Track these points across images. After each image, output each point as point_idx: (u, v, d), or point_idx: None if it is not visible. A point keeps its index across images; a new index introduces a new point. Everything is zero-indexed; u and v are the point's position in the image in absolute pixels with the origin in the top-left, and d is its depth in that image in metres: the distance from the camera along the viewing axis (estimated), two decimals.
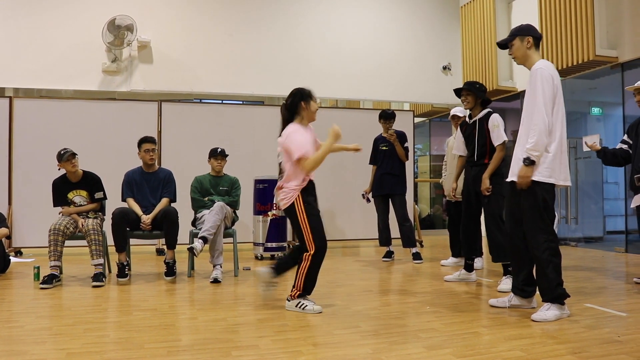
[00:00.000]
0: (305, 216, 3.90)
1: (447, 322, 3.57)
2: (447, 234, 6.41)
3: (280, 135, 4.03)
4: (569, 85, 8.43)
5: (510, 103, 9.57)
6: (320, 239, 3.90)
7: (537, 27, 7.95)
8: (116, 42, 8.01)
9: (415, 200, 9.11)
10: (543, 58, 4.09)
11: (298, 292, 3.93)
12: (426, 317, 3.72)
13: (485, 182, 4.74)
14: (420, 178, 12.31)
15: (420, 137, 12.29)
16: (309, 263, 3.88)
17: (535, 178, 3.61)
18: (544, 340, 3.12)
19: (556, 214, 8.05)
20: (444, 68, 9.82)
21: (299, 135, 3.92)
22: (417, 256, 6.46)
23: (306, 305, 3.90)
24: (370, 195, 6.74)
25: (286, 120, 4.06)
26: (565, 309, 3.66)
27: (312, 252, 3.87)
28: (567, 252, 7.30)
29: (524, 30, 3.77)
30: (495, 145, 4.81)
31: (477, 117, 4.93)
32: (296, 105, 4.01)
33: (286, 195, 3.95)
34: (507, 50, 3.88)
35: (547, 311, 3.60)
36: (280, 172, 4.06)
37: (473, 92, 4.93)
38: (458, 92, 5.07)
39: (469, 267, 5.10)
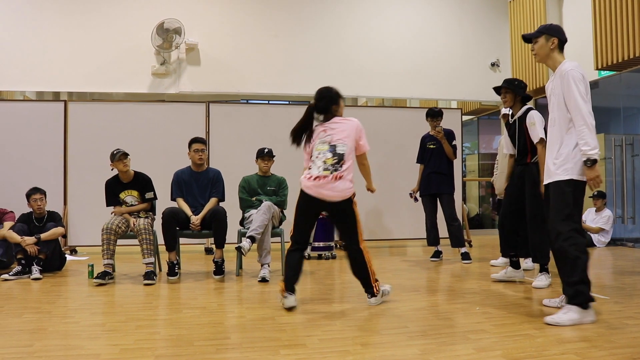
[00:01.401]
0: (357, 213, 4.01)
1: (497, 324, 3.49)
2: (497, 233, 6.28)
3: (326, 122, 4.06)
4: (625, 80, 8.13)
5: None
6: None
7: (591, 20, 7.72)
8: (165, 45, 8.17)
9: (464, 200, 8.96)
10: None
11: (377, 290, 4.07)
12: (475, 318, 3.65)
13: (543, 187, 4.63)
14: (468, 177, 12.12)
15: (468, 136, 12.10)
16: (367, 255, 4.00)
17: (562, 177, 3.53)
18: (601, 344, 3.01)
19: (611, 213, 7.81)
20: (493, 65, 9.64)
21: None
22: (465, 256, 6.35)
23: (385, 290, 4.21)
24: (417, 195, 6.66)
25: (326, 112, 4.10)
26: (590, 314, 3.45)
27: (364, 245, 4.00)
28: (623, 253, 7.05)
29: (552, 31, 3.71)
30: (535, 144, 4.69)
31: (517, 116, 4.84)
32: (328, 107, 4.09)
33: (348, 186, 3.93)
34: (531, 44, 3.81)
35: (564, 314, 3.43)
36: (338, 161, 3.92)
37: (512, 89, 4.84)
38: (498, 90, 4.98)
39: (515, 265, 4.99)
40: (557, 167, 3.58)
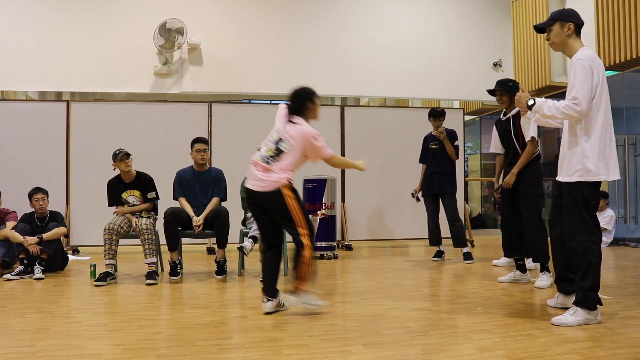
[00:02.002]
0: (296, 203, 3.79)
1: (499, 324, 3.49)
2: (499, 233, 6.28)
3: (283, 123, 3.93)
4: (628, 79, 8.12)
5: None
6: (312, 228, 3.83)
7: (593, 19, 7.70)
8: (167, 45, 8.17)
9: (466, 200, 8.96)
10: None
11: (304, 287, 3.79)
12: (477, 318, 3.65)
13: (512, 178, 4.70)
14: (470, 177, 12.11)
15: (470, 136, 12.08)
16: (310, 252, 3.77)
17: (573, 178, 3.44)
18: (604, 344, 3.00)
19: (614, 213, 7.80)
20: (495, 65, 9.63)
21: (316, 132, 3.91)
22: (468, 256, 6.34)
23: (313, 300, 3.83)
24: (420, 195, 6.66)
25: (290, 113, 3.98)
26: (597, 315, 3.43)
27: (309, 241, 3.77)
28: (626, 253, 7.04)
29: (566, 16, 3.53)
30: (526, 141, 4.72)
31: (510, 114, 4.86)
32: (302, 106, 3.97)
33: (275, 180, 3.77)
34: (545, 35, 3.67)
35: (571, 315, 3.41)
36: (275, 155, 3.83)
37: (507, 90, 4.86)
38: (492, 92, 5.00)
39: (522, 268, 4.97)
40: (570, 167, 3.48)
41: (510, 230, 4.95)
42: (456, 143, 6.48)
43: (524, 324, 3.48)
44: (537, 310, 3.88)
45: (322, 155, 3.95)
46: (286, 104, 4.03)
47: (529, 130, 4.73)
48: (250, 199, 3.90)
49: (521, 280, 4.94)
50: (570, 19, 3.51)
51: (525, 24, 9.34)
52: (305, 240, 3.76)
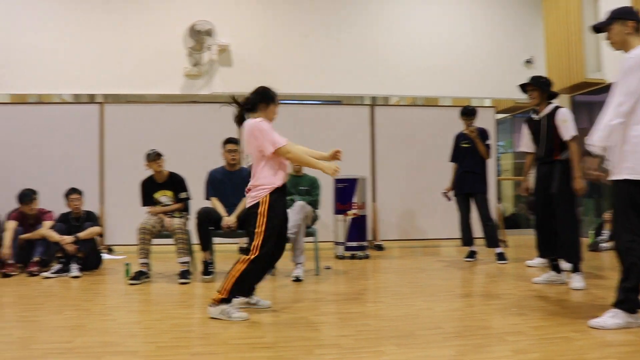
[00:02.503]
0: (265, 220, 3.60)
1: (534, 325, 3.43)
2: (532, 233, 6.17)
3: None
4: None
5: (598, 96, 9.10)
6: (268, 249, 3.60)
7: None
8: (197, 47, 8.25)
9: (498, 199, 8.84)
10: (614, 53, 3.72)
11: (222, 297, 3.61)
12: (512, 320, 3.59)
13: (580, 182, 4.54)
14: (503, 176, 11.95)
15: (502, 134, 11.92)
16: (245, 266, 3.58)
17: (620, 176, 3.36)
18: None
19: None
20: (527, 62, 9.48)
21: (265, 124, 3.67)
22: (501, 256, 6.26)
23: (232, 313, 3.61)
24: (451, 194, 6.59)
25: (240, 115, 3.85)
26: (636, 319, 3.32)
27: (252, 257, 3.58)
28: None
29: (626, 14, 3.44)
30: (566, 140, 4.61)
31: (544, 113, 4.75)
32: (255, 105, 3.81)
33: (256, 194, 3.67)
34: (601, 35, 3.58)
35: (610, 318, 3.31)
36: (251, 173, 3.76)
37: (539, 87, 4.75)
38: (523, 87, 4.89)
39: (557, 268, 4.88)
40: (617, 165, 3.39)
41: (544, 230, 4.86)
42: (488, 142, 6.40)
43: (560, 326, 3.41)
44: (574, 312, 3.79)
45: (267, 149, 3.61)
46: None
47: (569, 129, 4.61)
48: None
49: (556, 281, 4.85)
50: (632, 17, 3.44)
51: (557, 19, 9.18)
52: (251, 254, 3.61)
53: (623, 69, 3.30)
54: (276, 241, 3.69)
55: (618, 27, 3.44)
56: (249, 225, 3.72)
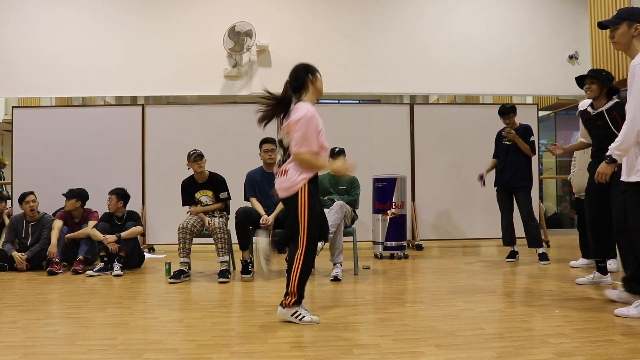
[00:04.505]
0: (307, 209, 3.49)
1: (578, 328, 3.34)
2: (576, 233, 6.02)
3: (287, 114, 3.63)
4: None
5: None
6: (313, 238, 3.51)
7: None
8: (236, 48, 8.33)
9: (541, 198, 8.65)
10: None
11: (294, 299, 3.51)
12: (555, 322, 3.51)
13: None
14: (545, 175, 11.70)
15: (545, 132, 11.67)
16: (301, 262, 3.48)
17: (637, 179, 3.35)
18: None
19: None
20: (571, 57, 9.24)
21: (315, 121, 3.53)
22: (543, 257, 6.12)
23: (303, 316, 3.52)
24: (485, 178, 6.42)
25: (289, 97, 3.69)
26: None
27: (303, 251, 3.48)
28: None
29: (636, 16, 3.40)
30: None
31: (603, 108, 4.57)
32: (303, 80, 3.69)
33: (292, 181, 3.51)
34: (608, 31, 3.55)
35: (636, 308, 3.37)
36: (286, 153, 3.64)
37: (599, 79, 4.57)
38: (581, 80, 4.73)
39: (603, 270, 4.72)
40: (632, 167, 3.40)
41: (597, 230, 4.68)
42: (532, 139, 6.26)
43: (605, 329, 3.31)
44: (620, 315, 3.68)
45: (299, 145, 3.47)
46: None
47: None
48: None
49: (601, 283, 4.70)
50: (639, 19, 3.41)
51: (604, 14, 8.92)
52: (300, 248, 3.52)
53: (635, 73, 3.32)
54: (319, 230, 3.64)
55: (625, 29, 3.44)
56: (290, 215, 3.62)
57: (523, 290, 4.79)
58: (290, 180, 3.51)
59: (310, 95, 3.72)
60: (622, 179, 3.53)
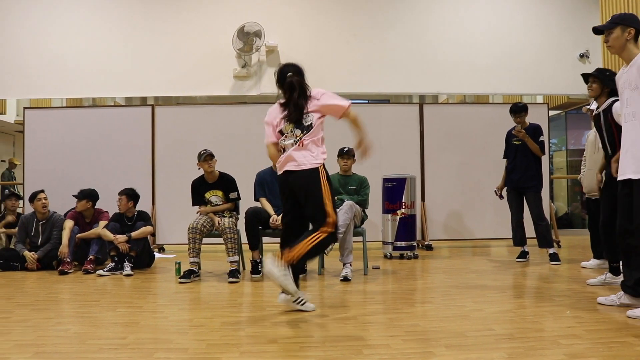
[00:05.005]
0: (328, 185, 3.74)
1: (590, 329, 3.31)
2: (587, 233, 5.98)
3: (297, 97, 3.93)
4: None
5: None
6: (336, 223, 3.68)
7: None
8: (245, 48, 8.34)
9: (551, 198, 8.61)
10: None
11: (288, 264, 3.57)
12: (566, 322, 3.48)
13: None
14: (556, 174, 11.63)
15: (555, 131, 11.61)
16: (322, 237, 3.62)
17: None
18: None
19: None
20: (581, 56, 9.18)
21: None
22: (554, 257, 6.08)
23: (305, 302, 3.80)
24: (504, 192, 6.45)
25: (301, 85, 3.99)
26: None
27: (331, 230, 3.65)
28: None
29: (629, 20, 3.56)
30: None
31: (601, 108, 4.56)
32: (303, 80, 4.08)
33: (315, 155, 3.80)
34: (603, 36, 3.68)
35: None
36: (305, 131, 3.86)
37: (600, 79, 4.57)
38: (586, 77, 4.73)
39: (615, 271, 4.69)
40: (637, 165, 3.40)
41: (610, 230, 4.63)
42: (541, 138, 6.23)
43: (617, 330, 3.28)
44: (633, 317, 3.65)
45: (343, 103, 3.95)
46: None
47: None
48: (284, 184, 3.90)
49: (613, 284, 4.66)
50: (633, 24, 3.58)
51: (615, 11, 8.84)
52: (328, 227, 3.68)
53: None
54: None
55: (619, 33, 3.59)
56: (308, 192, 3.75)
57: (534, 291, 4.77)
58: (313, 155, 3.79)
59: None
60: (629, 176, 3.52)
